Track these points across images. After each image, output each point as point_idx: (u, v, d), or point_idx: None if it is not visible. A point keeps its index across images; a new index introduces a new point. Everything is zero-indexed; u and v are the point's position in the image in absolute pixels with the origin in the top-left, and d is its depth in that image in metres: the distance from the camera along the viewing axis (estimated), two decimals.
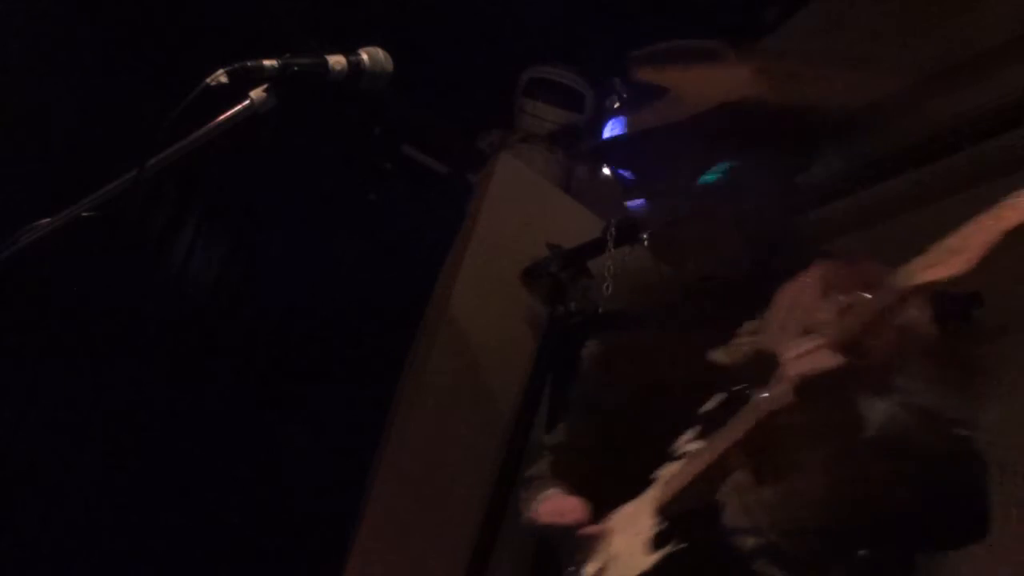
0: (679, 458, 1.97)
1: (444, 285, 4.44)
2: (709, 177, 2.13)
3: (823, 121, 2.32)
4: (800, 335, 1.76)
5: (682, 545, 1.88)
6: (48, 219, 1.76)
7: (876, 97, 4.26)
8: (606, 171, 4.06)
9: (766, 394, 1.77)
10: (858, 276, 1.74)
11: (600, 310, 4.14)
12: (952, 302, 2.13)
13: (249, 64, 1.81)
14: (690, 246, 2.14)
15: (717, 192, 2.13)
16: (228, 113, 1.83)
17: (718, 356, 1.98)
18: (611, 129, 3.95)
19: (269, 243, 5.04)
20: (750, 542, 1.82)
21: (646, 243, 2.21)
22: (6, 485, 4.45)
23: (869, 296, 1.67)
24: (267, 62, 1.84)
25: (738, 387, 1.90)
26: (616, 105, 3.94)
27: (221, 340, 4.99)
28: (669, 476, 1.96)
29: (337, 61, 1.89)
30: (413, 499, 4.17)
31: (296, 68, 1.86)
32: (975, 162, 3.87)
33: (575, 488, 2.21)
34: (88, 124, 4.49)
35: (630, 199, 2.25)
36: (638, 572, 1.92)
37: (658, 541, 1.92)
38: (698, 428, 1.97)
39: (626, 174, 2.26)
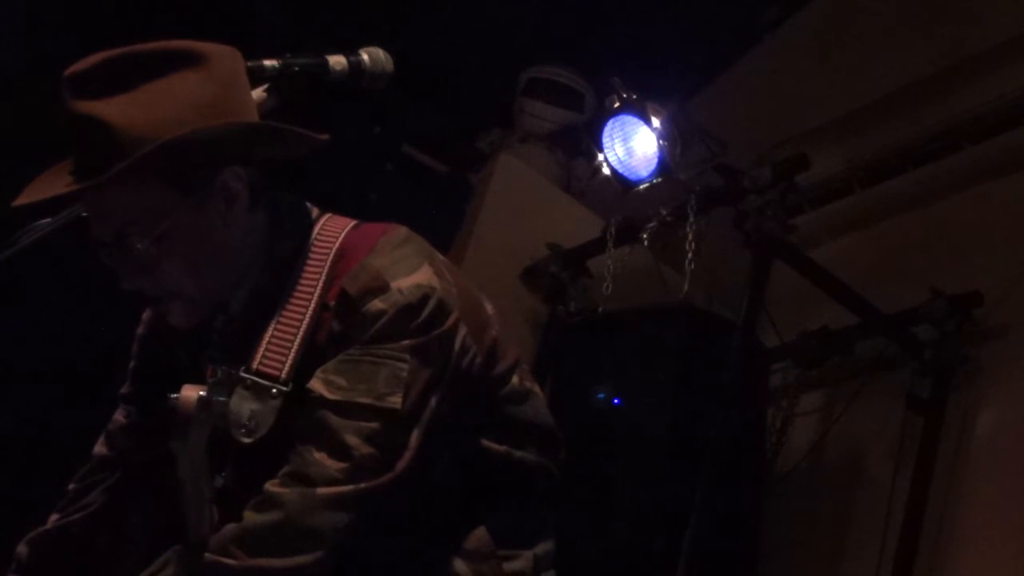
0: None
1: None
2: None
3: None
4: None
5: None
6: (48, 219, 1.76)
7: (876, 97, 4.26)
8: (606, 171, 4.05)
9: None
10: None
11: (600, 310, 4.14)
12: None
13: (249, 64, 1.81)
14: None
15: None
16: None
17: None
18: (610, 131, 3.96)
19: None
20: None
21: None
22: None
23: None
24: (267, 62, 1.84)
25: None
26: (616, 105, 3.95)
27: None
28: None
29: (337, 61, 1.89)
30: None
31: (296, 68, 1.86)
32: (975, 162, 3.88)
33: None
34: None
35: None
36: None
37: None
38: None
39: None
